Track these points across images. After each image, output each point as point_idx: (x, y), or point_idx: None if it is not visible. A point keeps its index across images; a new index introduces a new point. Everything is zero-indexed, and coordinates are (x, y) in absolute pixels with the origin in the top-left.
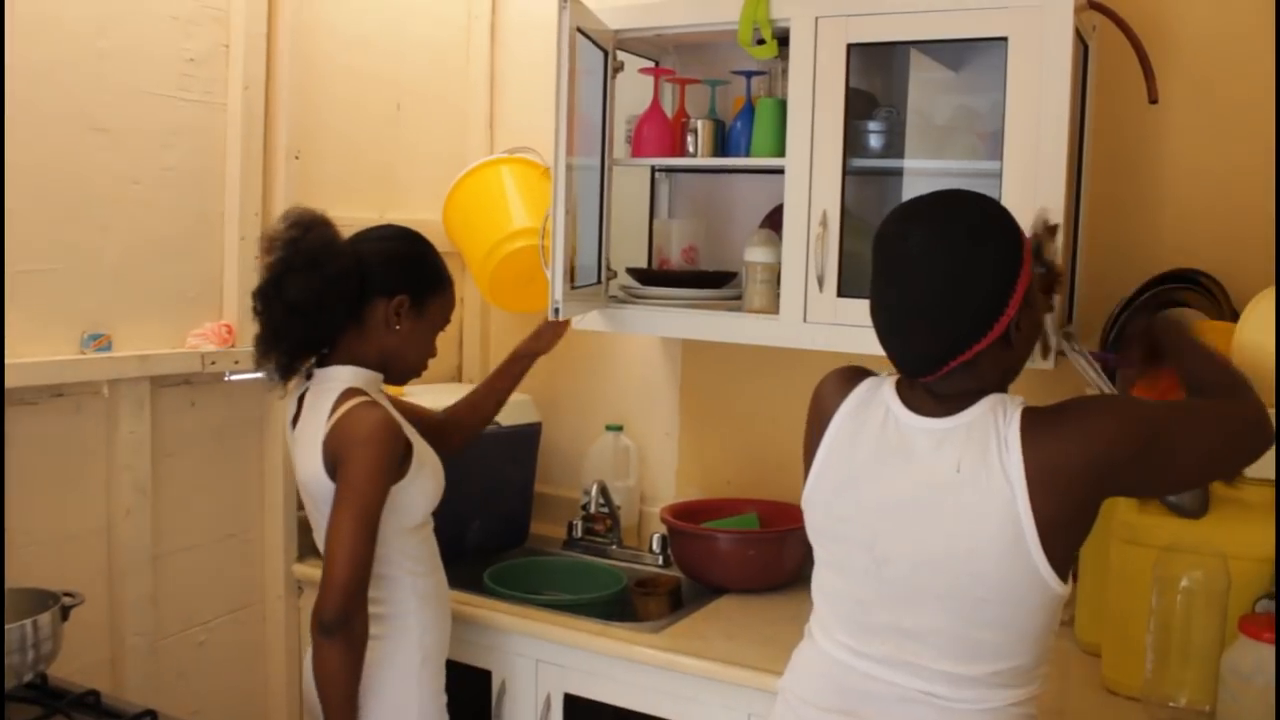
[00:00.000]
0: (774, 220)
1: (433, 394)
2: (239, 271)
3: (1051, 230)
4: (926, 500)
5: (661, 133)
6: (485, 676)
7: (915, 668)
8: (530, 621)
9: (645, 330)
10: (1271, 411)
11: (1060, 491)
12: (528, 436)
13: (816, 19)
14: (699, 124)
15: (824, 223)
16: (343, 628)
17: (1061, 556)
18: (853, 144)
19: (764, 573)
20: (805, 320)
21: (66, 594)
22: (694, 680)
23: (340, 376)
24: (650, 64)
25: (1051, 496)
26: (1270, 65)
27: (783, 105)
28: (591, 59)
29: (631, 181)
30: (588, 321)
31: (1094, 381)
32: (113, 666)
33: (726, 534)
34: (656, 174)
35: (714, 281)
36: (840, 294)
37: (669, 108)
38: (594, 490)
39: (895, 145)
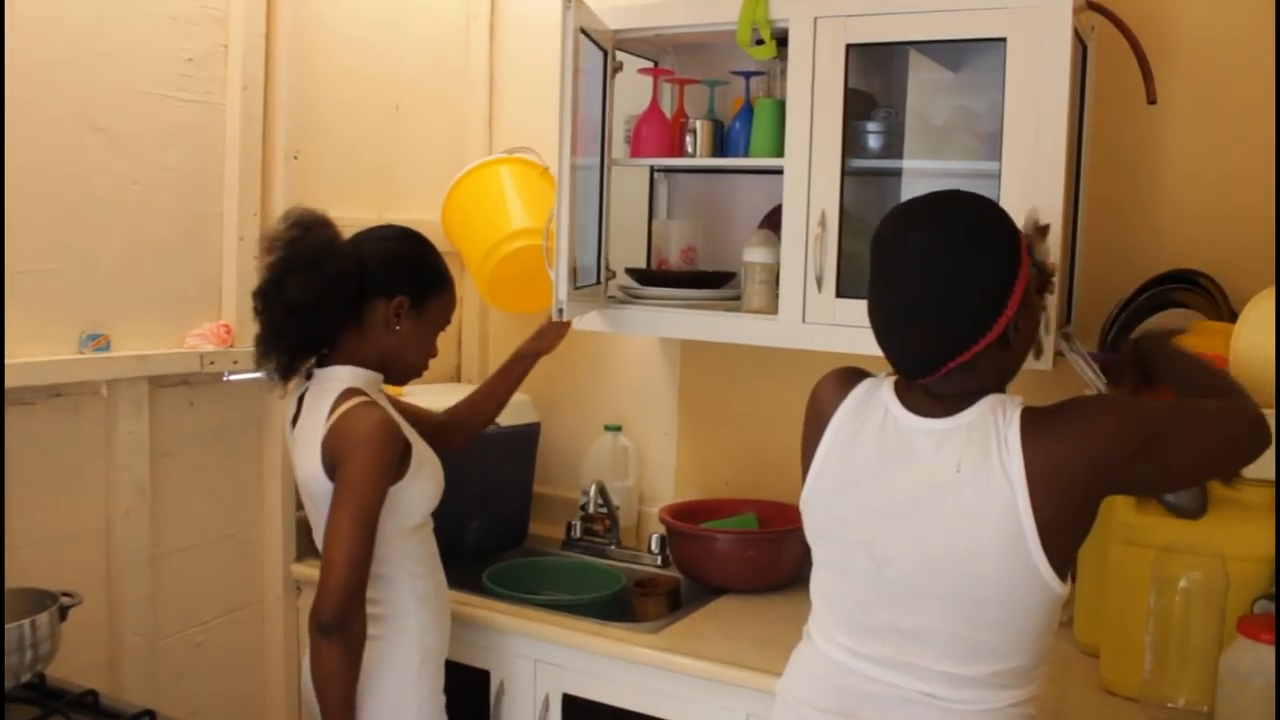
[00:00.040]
0: (773, 221)
1: (432, 394)
2: (238, 272)
3: (1042, 230)
4: (926, 501)
5: (660, 133)
6: (484, 676)
7: (915, 669)
8: (529, 622)
9: (644, 330)
10: (1271, 411)
11: (1060, 491)
12: (526, 437)
13: (815, 19)
14: (698, 124)
15: (823, 223)
16: (340, 628)
17: (1061, 556)
18: (851, 144)
19: (762, 573)
20: (804, 321)
21: (65, 594)
22: (692, 680)
23: (340, 377)
24: (649, 64)
25: (1051, 496)
26: (1269, 66)
27: (781, 106)
28: (592, 59)
29: (630, 182)
30: (586, 322)
31: (1092, 382)
32: (111, 667)
33: (725, 534)
34: (655, 174)
35: (713, 282)
36: (839, 294)
37: (668, 108)
38: (592, 490)
39: (894, 146)
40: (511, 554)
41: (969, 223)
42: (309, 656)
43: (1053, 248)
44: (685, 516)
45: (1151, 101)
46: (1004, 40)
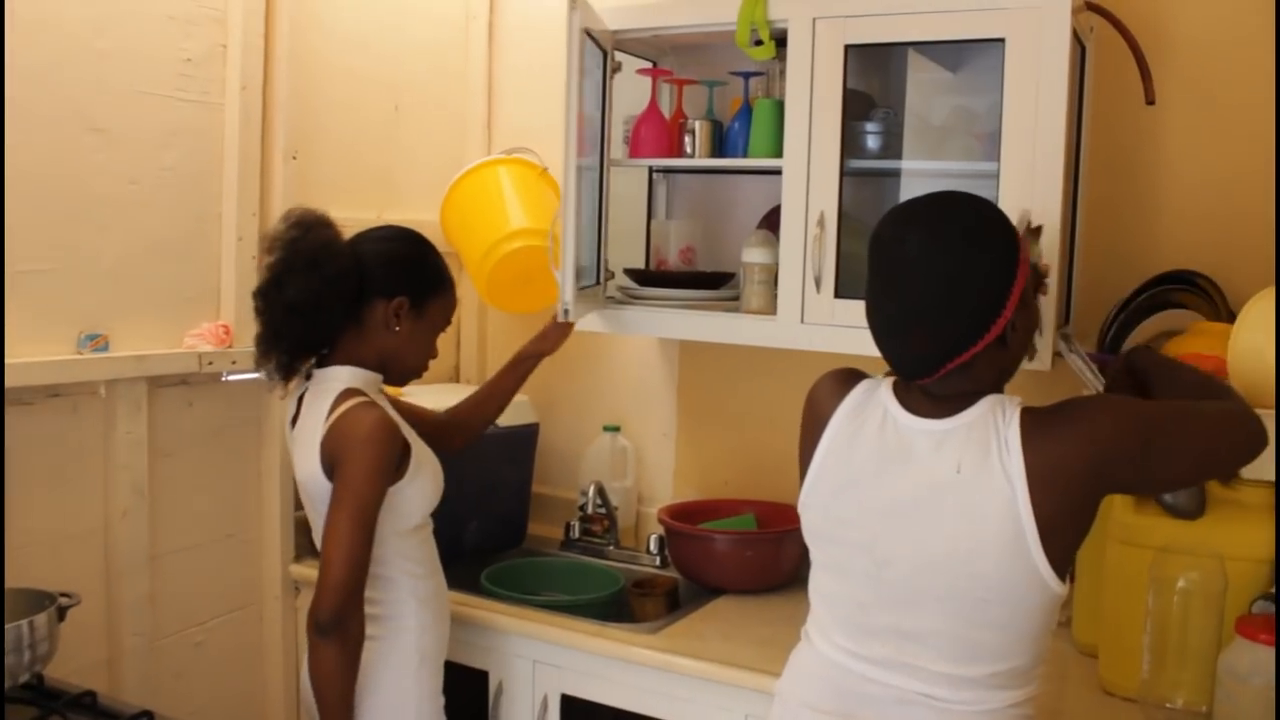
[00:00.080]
0: (771, 221)
1: (430, 395)
2: (236, 272)
3: (1035, 232)
4: (927, 501)
5: (659, 133)
6: (482, 677)
7: (914, 669)
8: (527, 622)
9: (643, 331)
10: (1269, 411)
11: (1060, 490)
12: (525, 437)
13: (814, 20)
14: (697, 125)
15: (821, 224)
16: (338, 628)
17: (1061, 556)
18: (850, 145)
19: (761, 574)
20: (802, 321)
21: (63, 594)
22: (691, 681)
23: (339, 377)
24: (648, 64)
25: (1051, 496)
26: (1267, 66)
27: (780, 106)
28: (592, 59)
29: (629, 182)
30: (585, 322)
31: (1090, 383)
32: (109, 667)
33: (724, 535)
34: (654, 174)
35: (711, 282)
36: (837, 295)
37: (667, 108)
38: (591, 491)
39: (893, 146)
40: (510, 554)
41: (968, 224)
42: (307, 657)
43: (1046, 249)
44: (684, 517)
45: (1150, 102)
46: (1002, 41)
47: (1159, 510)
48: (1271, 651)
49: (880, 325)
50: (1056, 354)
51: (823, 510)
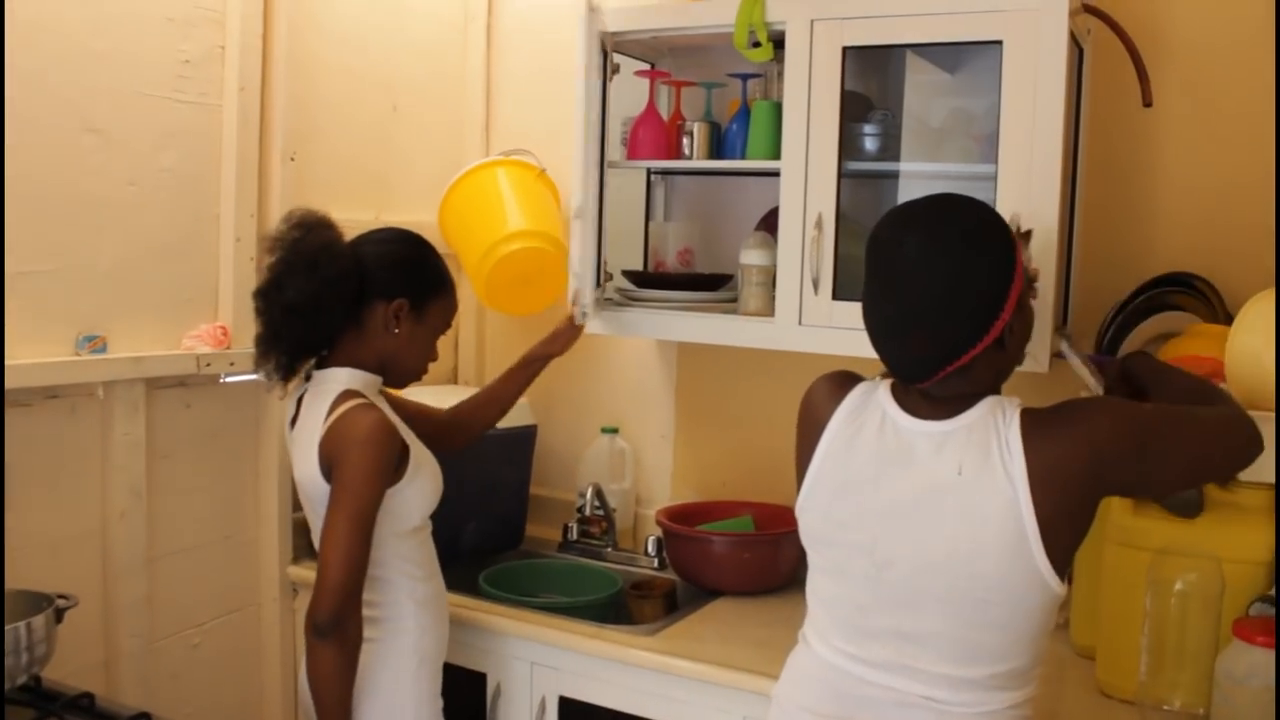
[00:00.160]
0: (769, 223)
1: (429, 396)
2: (234, 273)
3: (1025, 236)
4: (927, 503)
5: (657, 135)
6: (480, 679)
7: (914, 671)
8: (525, 624)
9: (641, 333)
10: (1266, 413)
11: (1059, 490)
12: (523, 439)
13: (812, 22)
14: (695, 126)
15: (819, 225)
16: (336, 630)
17: (1060, 556)
18: (848, 147)
19: (759, 575)
20: (800, 323)
21: (60, 596)
22: (689, 683)
23: (338, 378)
24: (646, 66)
25: (1051, 495)
26: (1264, 68)
27: (778, 108)
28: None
29: (627, 184)
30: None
31: (1089, 383)
32: (107, 669)
33: (722, 537)
34: (652, 176)
35: (709, 284)
36: (835, 297)
37: (665, 110)
38: (589, 493)
39: (890, 148)
40: (508, 556)
41: (966, 226)
42: (305, 658)
43: (1041, 252)
44: (682, 519)
45: (1147, 104)
46: (1000, 43)
47: (1157, 512)
48: (1269, 653)
49: (878, 327)
50: (1055, 355)
51: (821, 513)
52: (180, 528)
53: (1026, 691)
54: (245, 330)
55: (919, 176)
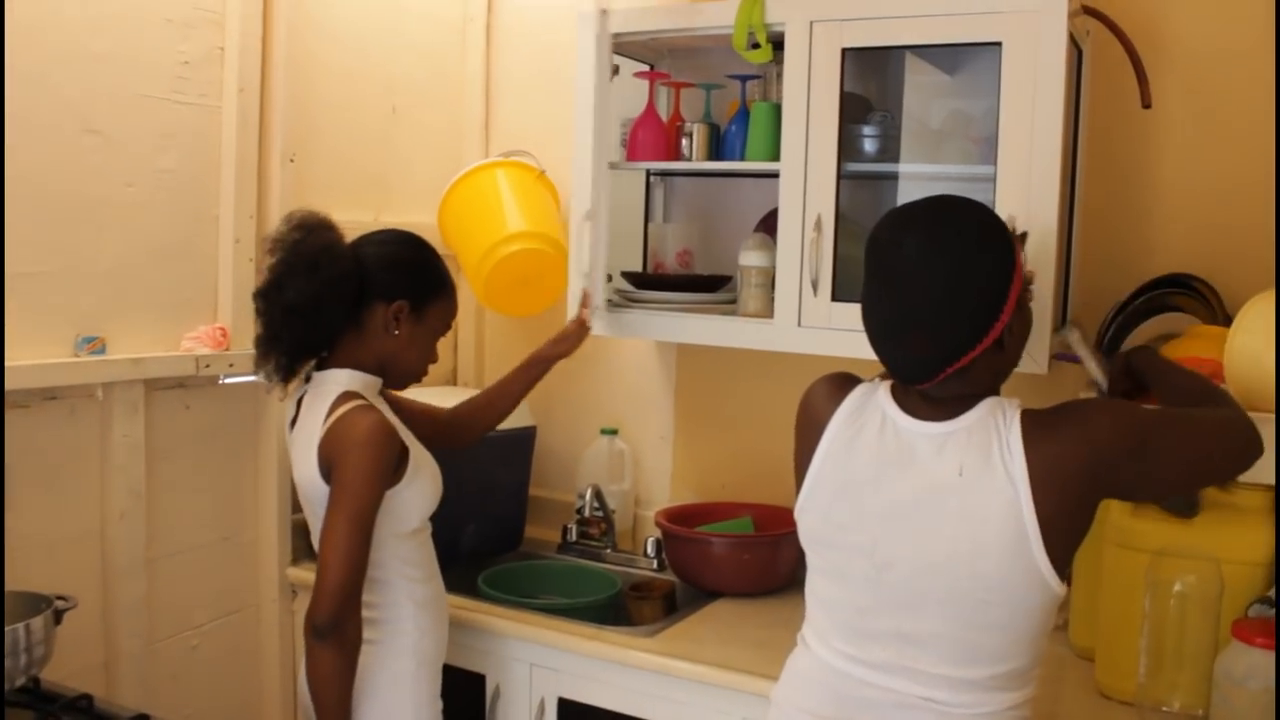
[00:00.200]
0: (768, 224)
1: (428, 397)
2: (233, 274)
3: (1020, 238)
4: (928, 504)
5: (656, 137)
6: (479, 680)
7: (915, 673)
8: (525, 625)
9: (640, 334)
10: (1266, 415)
11: (1059, 490)
12: (522, 440)
13: (811, 23)
14: (694, 128)
15: (818, 227)
16: (335, 631)
17: (1061, 556)
18: (847, 148)
19: (758, 577)
20: (799, 324)
21: (59, 597)
22: (688, 684)
23: (338, 380)
24: (645, 68)
25: (1052, 496)
26: (1263, 69)
27: (777, 109)
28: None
29: (626, 185)
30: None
31: (1094, 374)
32: (106, 670)
33: (721, 538)
34: (651, 178)
35: (709, 285)
36: (835, 298)
37: (664, 112)
38: (588, 494)
39: (890, 149)
40: (507, 557)
41: (966, 228)
42: (305, 660)
43: (1041, 253)
44: (681, 520)
45: (1146, 106)
46: (999, 45)
47: (1156, 514)
48: (1268, 655)
49: (878, 329)
50: (1054, 356)
51: (821, 514)
52: (179, 529)
53: (1026, 692)
54: (244, 331)
55: (918, 178)
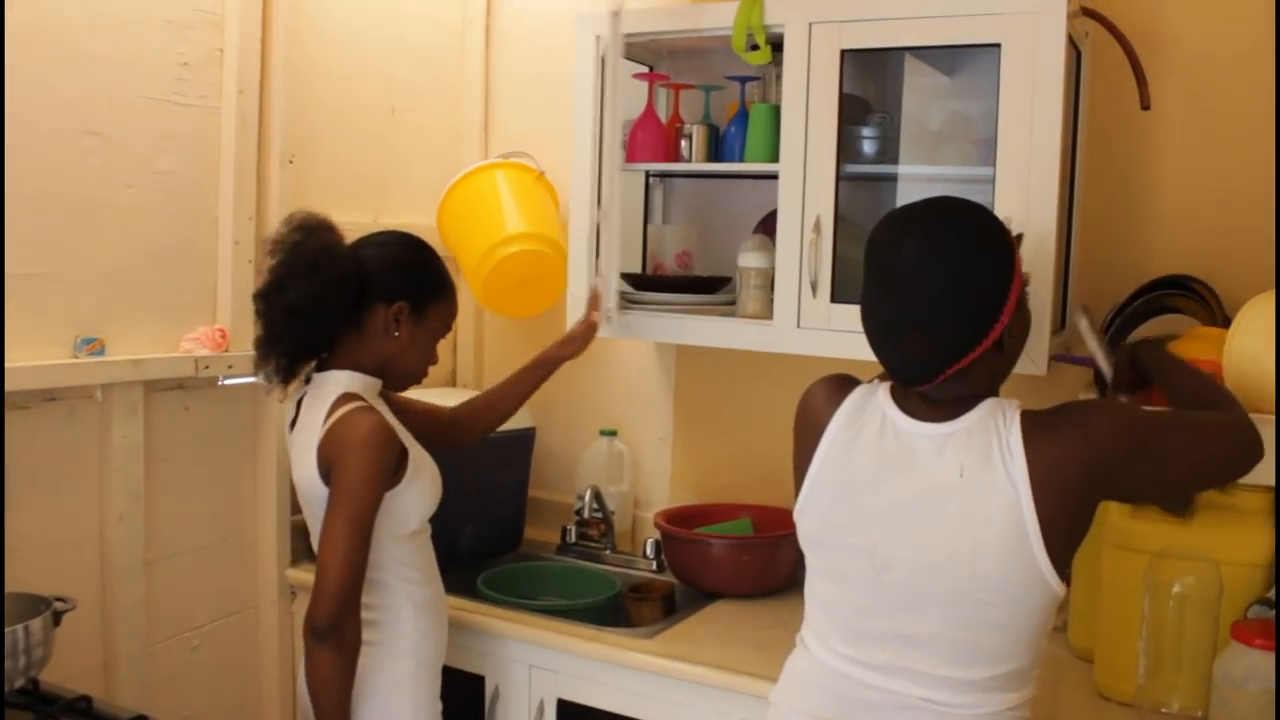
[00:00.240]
0: (768, 226)
1: (427, 399)
2: (233, 276)
3: (1016, 239)
4: (928, 505)
5: (656, 138)
6: (479, 682)
7: (915, 674)
8: (524, 627)
9: (640, 335)
10: (1265, 416)
11: (1060, 492)
12: (521, 441)
13: (810, 25)
14: (693, 129)
15: (817, 228)
16: (334, 633)
17: (1061, 557)
18: (846, 149)
19: (758, 578)
20: (799, 326)
21: (58, 599)
22: (687, 686)
23: (337, 381)
24: (644, 69)
25: (1052, 497)
26: (1263, 70)
27: (777, 111)
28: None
29: (626, 187)
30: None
31: (1099, 363)
32: (105, 672)
33: (720, 539)
34: (651, 179)
35: (708, 287)
36: (834, 299)
37: (663, 113)
38: (588, 495)
39: (889, 151)
40: (506, 559)
41: (965, 229)
42: (304, 662)
43: (1039, 255)
44: (680, 521)
45: (1145, 107)
46: (998, 46)
47: (1155, 516)
48: (1268, 656)
49: (877, 330)
50: (1052, 358)
51: (821, 516)
52: (179, 530)
53: (1025, 693)
54: (244, 333)
55: (917, 179)
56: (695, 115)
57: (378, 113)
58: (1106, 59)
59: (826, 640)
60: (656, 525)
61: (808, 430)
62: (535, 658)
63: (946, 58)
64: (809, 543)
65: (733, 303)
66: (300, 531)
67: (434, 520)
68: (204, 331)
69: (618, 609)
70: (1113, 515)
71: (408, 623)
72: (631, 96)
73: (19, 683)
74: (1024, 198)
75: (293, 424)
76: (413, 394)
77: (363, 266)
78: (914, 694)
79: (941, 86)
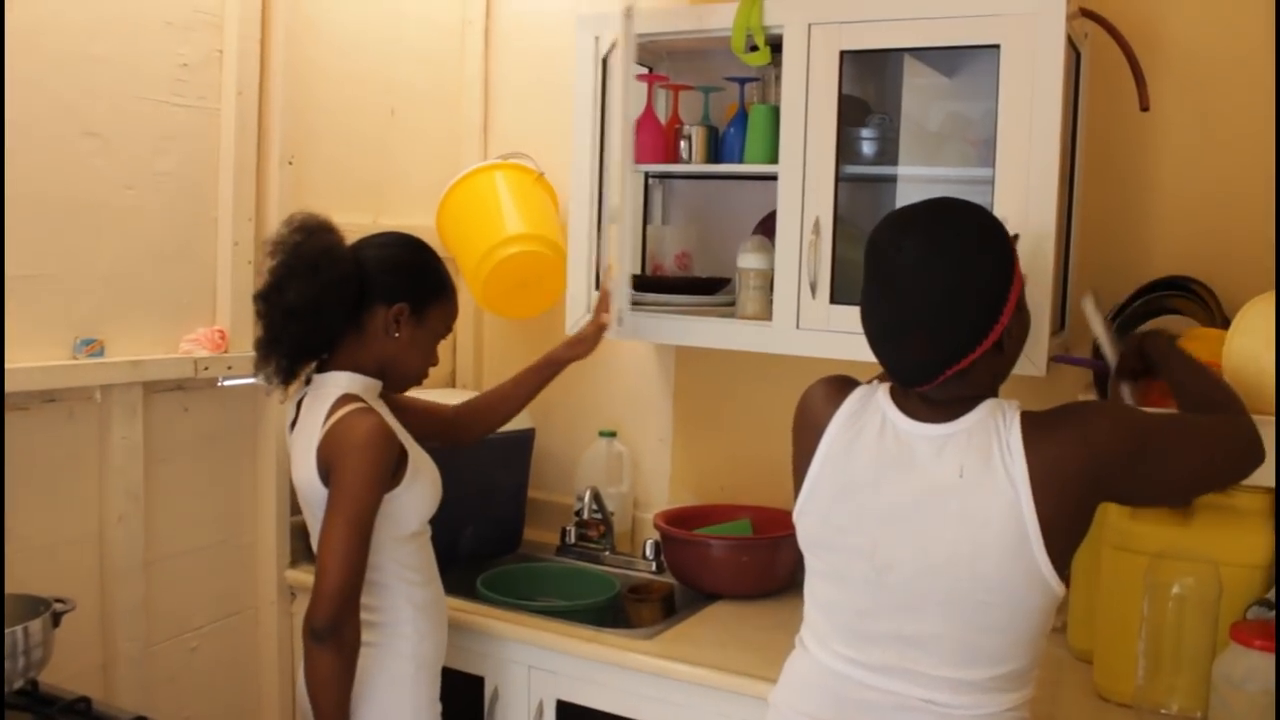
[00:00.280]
0: (767, 227)
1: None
2: (232, 277)
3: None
4: (929, 506)
5: (655, 139)
6: (478, 683)
7: (915, 675)
8: (523, 628)
9: (639, 336)
10: (1265, 417)
11: (1060, 493)
12: (521, 442)
13: (809, 26)
14: (693, 130)
15: (817, 229)
16: (333, 634)
17: (1061, 557)
18: (845, 151)
19: (757, 579)
20: (798, 327)
21: (58, 600)
22: (686, 687)
23: (337, 382)
24: (644, 70)
25: (1052, 497)
26: (1262, 71)
27: (776, 112)
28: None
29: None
30: (581, 326)
31: (1104, 348)
32: (104, 673)
33: (719, 540)
34: (650, 180)
35: (707, 288)
36: (833, 301)
37: (662, 114)
38: (587, 496)
39: (888, 152)
40: (506, 560)
41: (965, 231)
42: (303, 663)
43: (1030, 259)
44: (680, 522)
45: (1145, 108)
46: (998, 47)
47: (1154, 516)
48: (1267, 657)
49: (877, 331)
50: (1051, 359)
51: (821, 517)
52: (178, 531)
53: (1024, 694)
54: (243, 334)
55: (916, 180)
56: (694, 116)
57: (377, 114)
58: (1106, 60)
59: (826, 641)
60: (656, 526)
61: (807, 431)
62: (534, 659)
63: (946, 59)
64: (808, 544)
65: (732, 304)
66: (300, 532)
67: (433, 521)
68: (203, 333)
69: (617, 610)
70: (1112, 516)
71: (407, 624)
72: (631, 98)
73: (18, 684)
74: (1023, 199)
75: (293, 425)
76: (413, 395)
77: (363, 267)
78: (914, 695)
79: (941, 87)
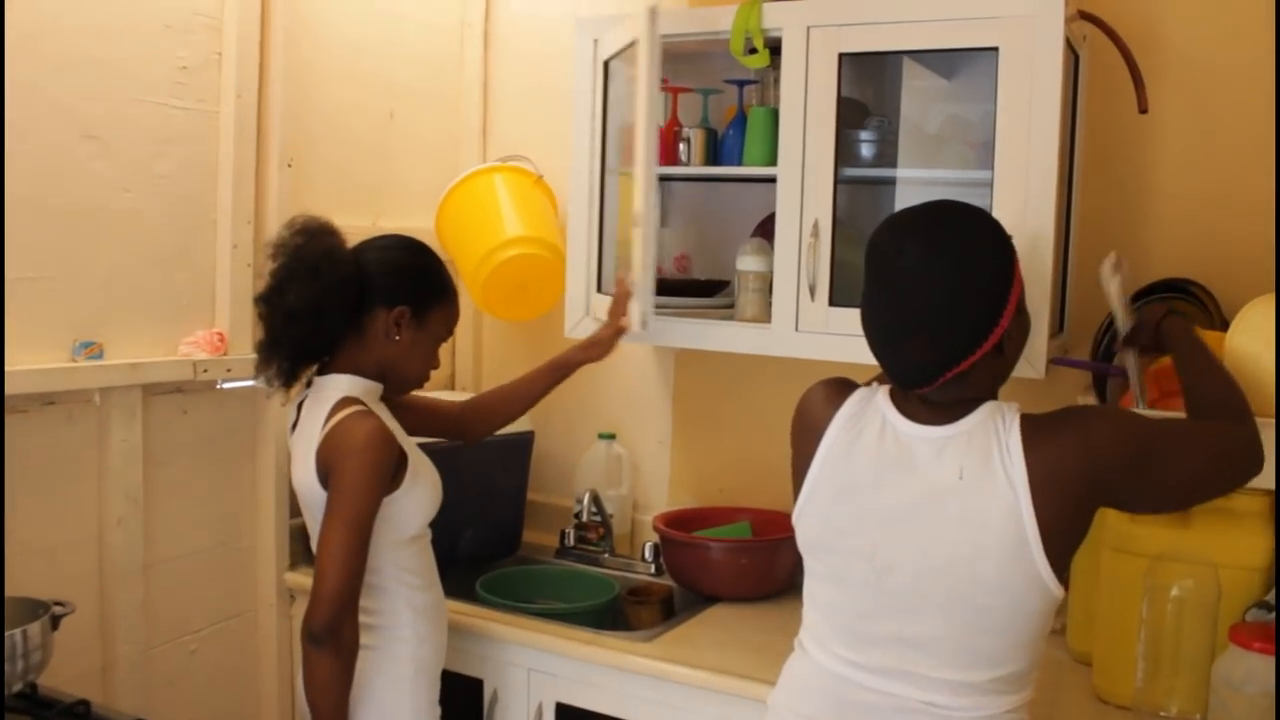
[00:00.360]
0: (766, 229)
1: None
2: (231, 280)
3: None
4: (928, 508)
5: None
6: (477, 685)
7: (915, 677)
8: (522, 630)
9: (638, 339)
10: (1270, 418)
11: (1058, 494)
12: (520, 444)
13: (808, 28)
14: (691, 133)
15: (816, 232)
16: (331, 637)
17: (1060, 560)
18: (844, 153)
19: (756, 582)
20: (797, 329)
21: (57, 603)
22: (686, 689)
23: (338, 385)
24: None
25: (1052, 500)
26: (1260, 73)
27: (775, 114)
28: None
29: (625, 190)
30: (580, 329)
31: (1117, 317)
32: (103, 675)
33: (719, 543)
34: None
35: (706, 290)
36: (832, 303)
37: (661, 117)
38: (586, 499)
39: (887, 154)
40: (505, 562)
41: (966, 233)
42: (302, 666)
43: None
44: (679, 525)
45: (1143, 110)
46: (996, 49)
47: (1154, 519)
48: (1266, 659)
49: (877, 334)
50: (1051, 361)
51: (821, 519)
52: (177, 534)
53: (1024, 695)
54: (242, 336)
55: (915, 183)
56: (693, 119)
57: (376, 117)
58: (1104, 62)
59: (826, 644)
60: (655, 528)
61: (806, 433)
62: (534, 661)
63: (945, 61)
64: (808, 546)
65: (731, 306)
66: (299, 535)
67: (433, 524)
68: (202, 335)
69: (616, 612)
70: (1111, 518)
71: (406, 628)
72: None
73: (17, 687)
74: (1022, 201)
75: (293, 427)
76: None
77: (364, 270)
78: (914, 697)
79: (940, 90)
